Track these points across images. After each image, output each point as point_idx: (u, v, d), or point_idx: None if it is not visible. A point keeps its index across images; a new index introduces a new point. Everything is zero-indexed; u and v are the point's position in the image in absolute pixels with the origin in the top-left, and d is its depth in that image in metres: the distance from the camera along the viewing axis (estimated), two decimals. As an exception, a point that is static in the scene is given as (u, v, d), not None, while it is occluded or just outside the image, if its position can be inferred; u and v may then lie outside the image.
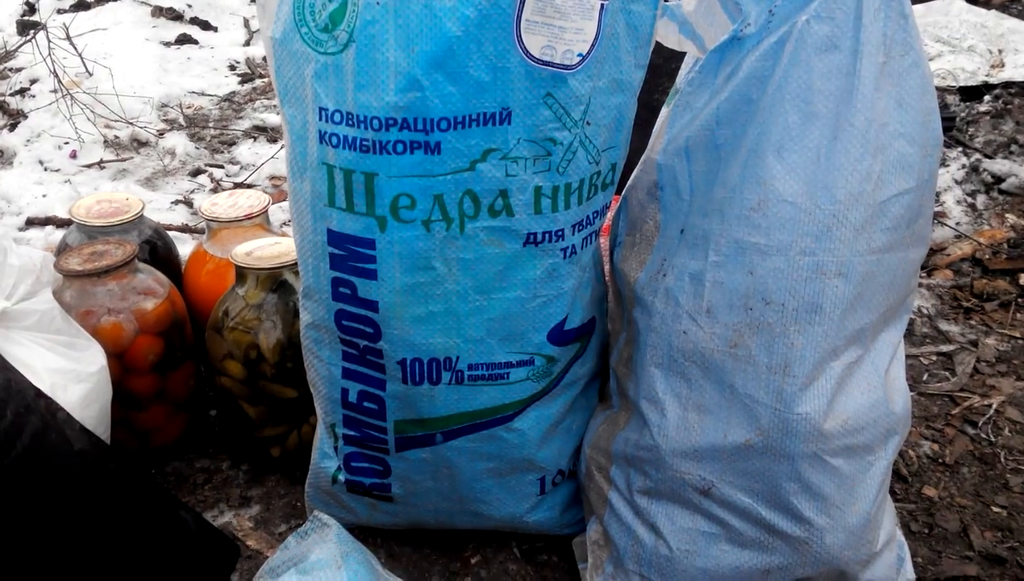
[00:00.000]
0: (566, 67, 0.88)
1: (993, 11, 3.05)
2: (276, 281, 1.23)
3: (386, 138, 0.89)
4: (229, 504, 1.26)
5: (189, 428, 1.34)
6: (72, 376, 1.06)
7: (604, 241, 1.12)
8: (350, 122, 0.89)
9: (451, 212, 0.92)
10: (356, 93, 0.88)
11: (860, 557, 0.97)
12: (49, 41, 2.57)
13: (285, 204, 2.13)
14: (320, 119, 0.91)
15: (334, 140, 0.91)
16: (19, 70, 2.94)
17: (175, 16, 3.38)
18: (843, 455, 0.94)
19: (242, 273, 1.23)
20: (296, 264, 1.20)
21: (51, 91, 2.62)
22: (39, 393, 0.82)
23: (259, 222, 1.40)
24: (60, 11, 3.35)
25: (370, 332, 0.98)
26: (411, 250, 0.93)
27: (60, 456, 0.79)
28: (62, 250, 1.35)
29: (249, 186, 2.28)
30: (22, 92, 2.78)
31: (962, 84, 2.63)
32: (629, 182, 1.05)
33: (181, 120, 2.66)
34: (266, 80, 2.99)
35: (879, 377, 0.96)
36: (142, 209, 1.39)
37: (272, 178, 2.34)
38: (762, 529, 0.96)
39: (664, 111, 1.01)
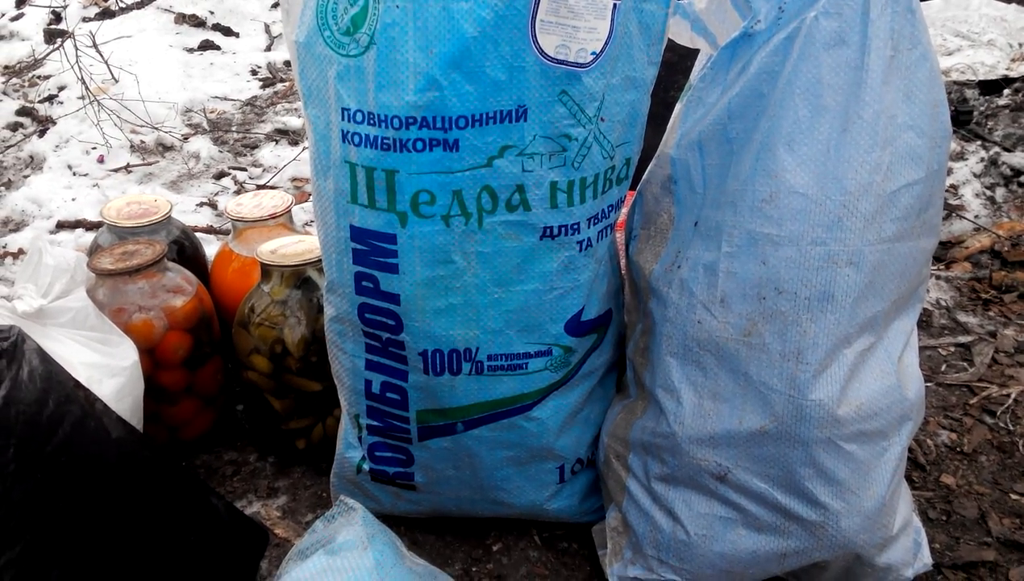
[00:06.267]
0: (580, 65, 0.91)
1: (1013, 5, 3.04)
2: (300, 278, 1.26)
3: (406, 136, 0.91)
4: (257, 495, 1.29)
5: (217, 422, 1.38)
6: (106, 371, 1.10)
7: (620, 235, 1.14)
8: (371, 121, 0.92)
9: (470, 207, 0.95)
10: (377, 93, 0.91)
11: (876, 541, 0.99)
12: (76, 49, 2.63)
13: (307, 205, 2.17)
14: (342, 119, 0.94)
15: (356, 139, 0.94)
16: (47, 77, 3.00)
17: (198, 23, 3.44)
18: (857, 440, 0.95)
19: (267, 270, 1.26)
20: (319, 261, 1.24)
21: (78, 98, 2.68)
22: (78, 384, 0.86)
23: (283, 221, 1.43)
24: (85, 19, 3.42)
25: (392, 324, 1.01)
26: (431, 244, 0.96)
27: (98, 444, 0.83)
28: (94, 250, 1.39)
29: (272, 188, 2.32)
30: (51, 99, 2.85)
31: (981, 78, 2.63)
32: (644, 177, 1.07)
33: (205, 124, 2.70)
34: (287, 84, 3.03)
35: (892, 364, 0.98)
36: (170, 210, 1.43)
37: (294, 180, 2.38)
38: (778, 514, 0.98)
39: (677, 106, 1.03)
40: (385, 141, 0.92)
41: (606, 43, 0.91)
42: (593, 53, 0.91)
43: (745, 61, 0.94)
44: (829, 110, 0.91)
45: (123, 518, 0.84)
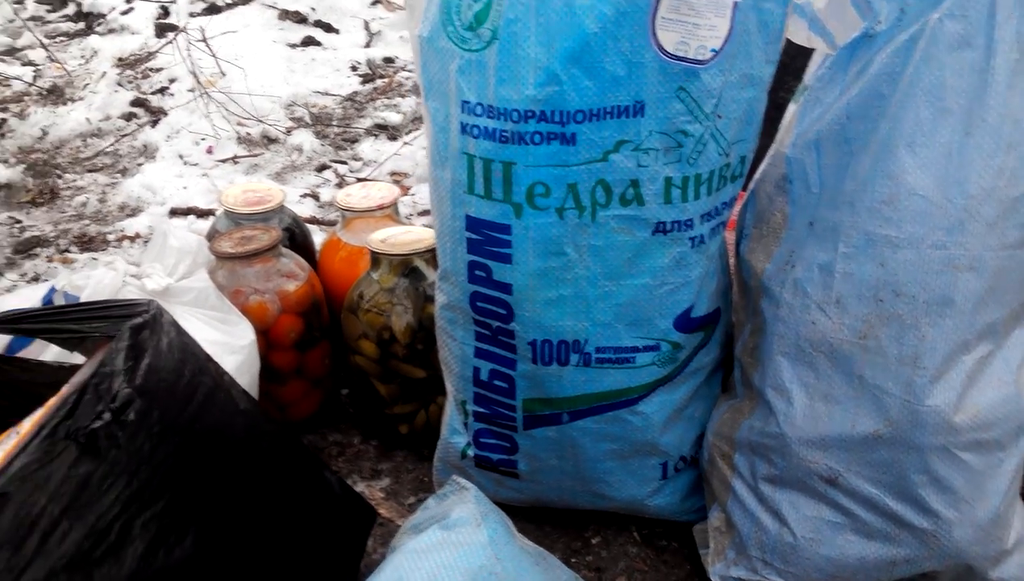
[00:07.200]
0: (699, 62, 0.91)
1: None
2: (408, 267, 1.29)
3: (524, 129, 0.94)
4: (361, 476, 1.33)
5: (324, 404, 1.42)
6: (226, 348, 1.15)
7: (729, 235, 1.14)
8: (491, 114, 0.95)
9: (584, 200, 0.96)
10: (497, 87, 0.93)
11: (989, 553, 0.96)
12: (189, 43, 2.74)
13: (406, 198, 2.22)
14: (462, 111, 0.97)
15: (475, 131, 0.96)
16: (159, 70, 3.13)
17: (300, 19, 3.54)
18: (973, 449, 0.93)
19: (377, 258, 1.30)
20: (427, 251, 1.27)
21: (188, 90, 2.79)
22: (208, 357, 0.90)
23: (389, 213, 1.47)
24: (192, 15, 3.55)
25: (503, 313, 1.03)
26: (545, 236, 0.98)
27: (227, 414, 0.87)
28: (213, 235, 1.45)
29: (377, 181, 2.38)
30: (162, 91, 2.97)
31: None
32: (757, 176, 1.07)
33: (307, 118, 2.79)
34: (386, 80, 3.10)
35: (1011, 373, 0.95)
36: (283, 198, 1.48)
37: (393, 174, 2.43)
38: (889, 520, 0.96)
39: (792, 107, 1.03)
40: (504, 134, 0.95)
41: (725, 40, 0.91)
42: (712, 50, 0.91)
43: (865, 61, 0.93)
44: (952, 113, 0.90)
45: (248, 485, 0.88)
